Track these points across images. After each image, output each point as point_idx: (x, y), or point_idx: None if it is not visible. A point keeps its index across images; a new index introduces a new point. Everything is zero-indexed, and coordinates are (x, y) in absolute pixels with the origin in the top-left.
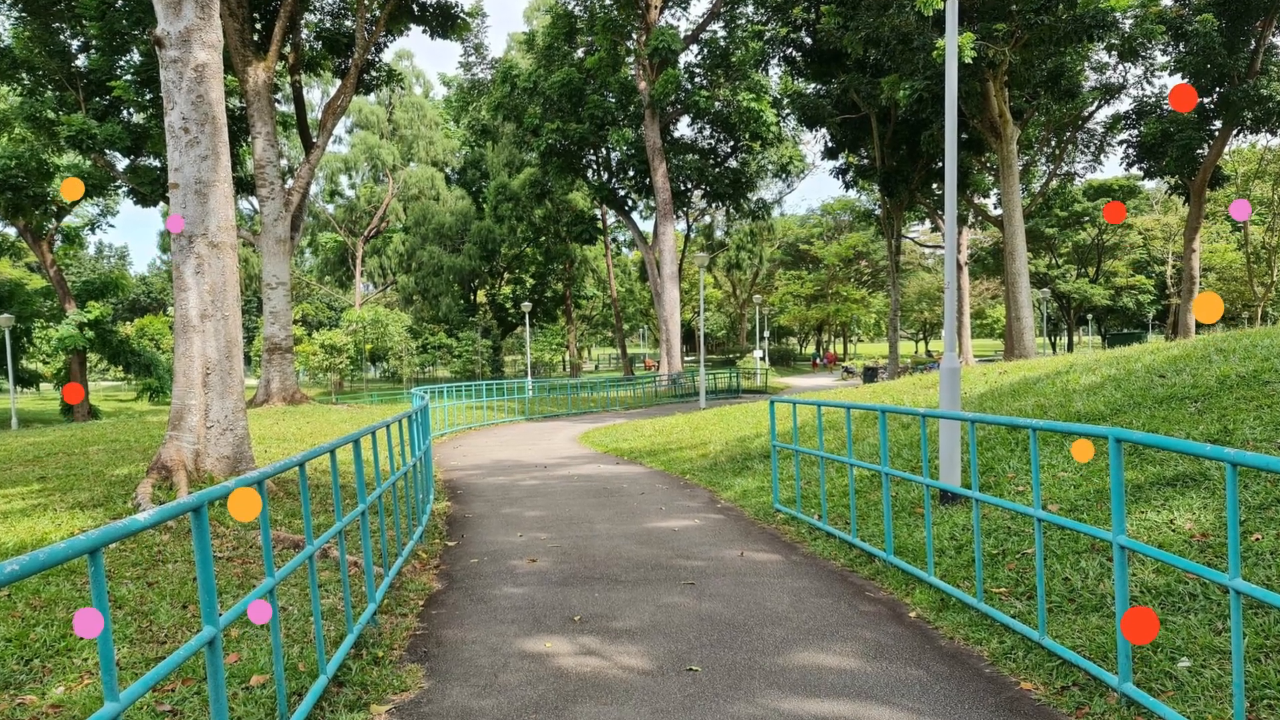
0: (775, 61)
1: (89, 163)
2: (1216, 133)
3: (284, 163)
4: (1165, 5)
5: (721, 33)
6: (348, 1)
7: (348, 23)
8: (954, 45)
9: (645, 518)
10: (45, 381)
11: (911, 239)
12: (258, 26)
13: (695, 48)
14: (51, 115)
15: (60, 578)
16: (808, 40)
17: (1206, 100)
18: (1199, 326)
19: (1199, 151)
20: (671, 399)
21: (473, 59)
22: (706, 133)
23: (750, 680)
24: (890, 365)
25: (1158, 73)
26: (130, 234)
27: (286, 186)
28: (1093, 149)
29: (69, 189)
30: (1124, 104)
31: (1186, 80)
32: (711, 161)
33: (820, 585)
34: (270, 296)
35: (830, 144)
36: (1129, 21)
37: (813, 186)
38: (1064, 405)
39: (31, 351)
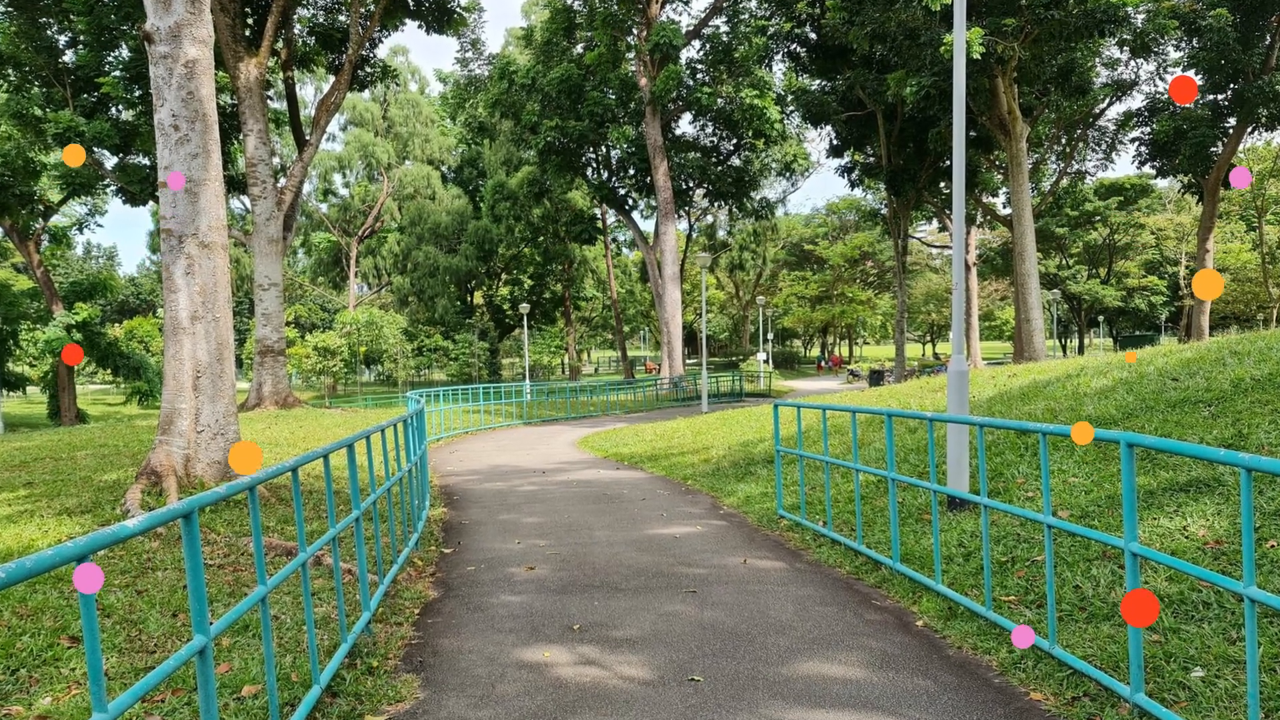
0: (779, 57)
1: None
2: (1231, 130)
3: (276, 161)
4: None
5: (724, 28)
6: None
7: (341, 17)
8: (962, 40)
9: (646, 524)
10: (32, 385)
11: (918, 239)
12: (249, 21)
13: (697, 43)
14: (38, 112)
15: (47, 586)
16: (812, 35)
17: (1220, 97)
18: (1212, 328)
19: (1213, 149)
20: (673, 402)
21: (469, 55)
22: (709, 130)
23: (753, 691)
24: (897, 368)
25: (1171, 69)
26: (119, 234)
27: (279, 185)
28: (1104, 147)
29: (70, 155)
30: (1136, 101)
31: (1200, 76)
32: (714, 160)
33: (825, 593)
34: (262, 298)
35: (835, 142)
36: (1141, 16)
37: (817, 185)
38: (1075, 409)
39: (18, 354)
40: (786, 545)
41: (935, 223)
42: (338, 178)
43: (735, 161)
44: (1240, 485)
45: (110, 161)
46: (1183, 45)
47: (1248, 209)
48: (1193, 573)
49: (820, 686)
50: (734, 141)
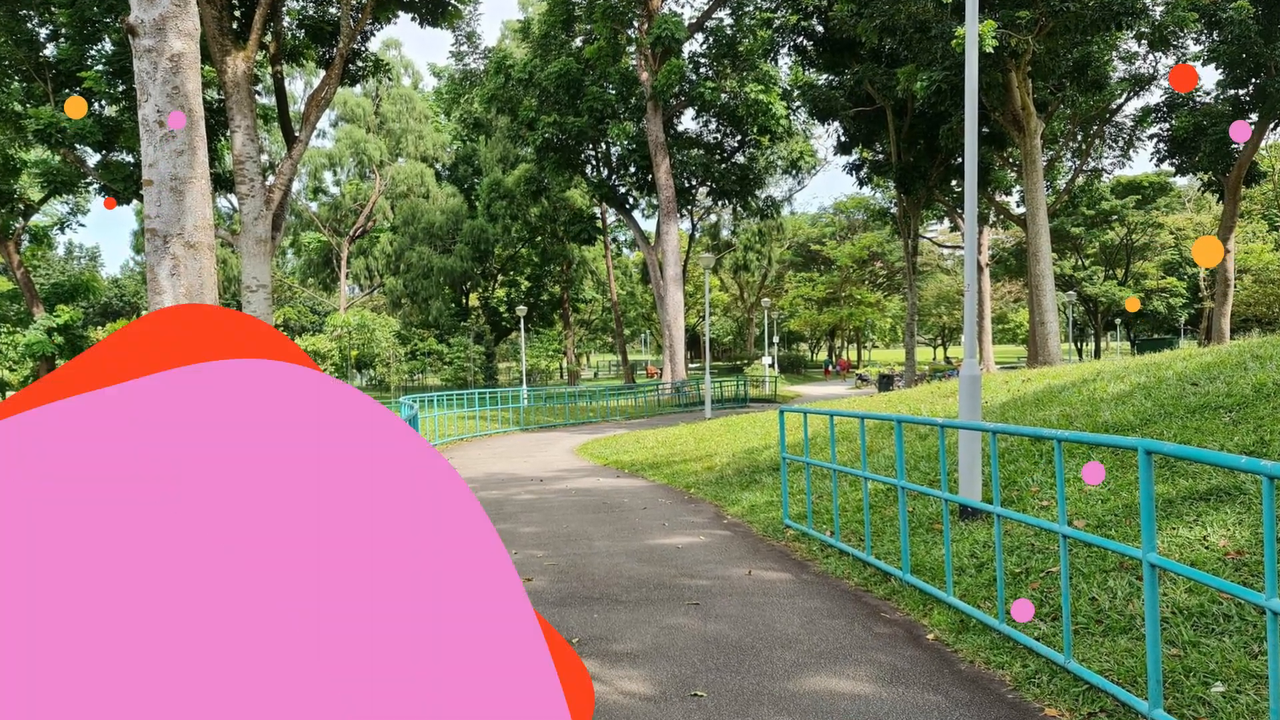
0: (785, 51)
1: (58, 158)
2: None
3: (265, 158)
4: None
5: (728, 20)
6: None
7: (332, 10)
8: (974, 33)
9: (647, 534)
10: (12, 390)
11: (929, 239)
12: (237, 14)
13: (700, 36)
14: (18, 108)
15: None
16: (819, 28)
17: (1242, 92)
18: (1233, 331)
19: (1233, 146)
20: (675, 408)
21: (464, 48)
22: (712, 126)
23: (758, 706)
24: (907, 372)
25: (1190, 63)
26: (102, 234)
27: (267, 183)
28: (1121, 143)
29: (72, 107)
30: (1154, 96)
31: (1221, 70)
32: (717, 157)
33: (832, 606)
34: (250, 300)
35: (843, 138)
36: (1159, 8)
37: (824, 183)
38: (1091, 415)
39: None
40: (792, 556)
41: (947, 222)
42: (328, 175)
43: (739, 159)
44: (1262, 494)
45: (93, 159)
46: (1203, 39)
47: (1270, 208)
48: (1213, 584)
49: (828, 702)
50: (738, 138)
